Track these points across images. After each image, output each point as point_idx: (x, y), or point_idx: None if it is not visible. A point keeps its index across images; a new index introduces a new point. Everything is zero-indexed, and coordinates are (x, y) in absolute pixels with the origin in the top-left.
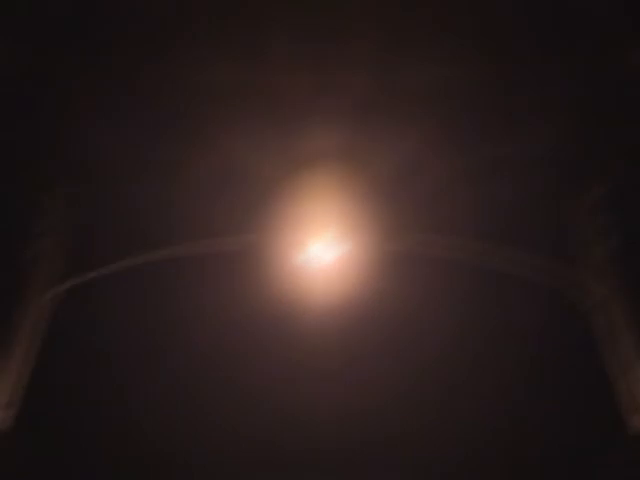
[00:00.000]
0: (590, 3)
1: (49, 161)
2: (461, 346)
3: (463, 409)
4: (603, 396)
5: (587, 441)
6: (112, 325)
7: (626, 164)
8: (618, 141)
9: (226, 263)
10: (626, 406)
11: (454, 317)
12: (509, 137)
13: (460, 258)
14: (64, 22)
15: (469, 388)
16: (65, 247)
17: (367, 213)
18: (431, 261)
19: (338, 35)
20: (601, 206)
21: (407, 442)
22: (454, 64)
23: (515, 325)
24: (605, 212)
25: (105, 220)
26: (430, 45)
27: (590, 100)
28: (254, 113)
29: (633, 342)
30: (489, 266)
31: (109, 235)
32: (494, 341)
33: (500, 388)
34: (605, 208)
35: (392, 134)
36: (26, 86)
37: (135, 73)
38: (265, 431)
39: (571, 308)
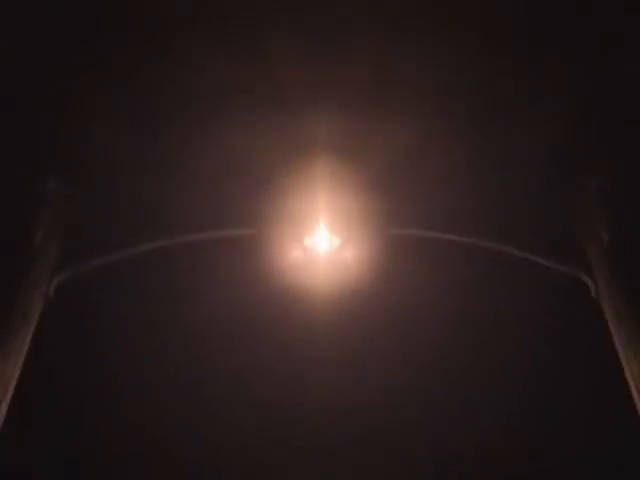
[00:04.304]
0: (590, 3)
1: (49, 161)
2: (460, 337)
3: (464, 404)
4: (609, 383)
5: (596, 430)
6: (109, 320)
7: (626, 164)
8: (618, 141)
9: (225, 255)
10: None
11: (454, 311)
12: (509, 136)
13: (461, 252)
14: (64, 22)
15: (471, 381)
16: (64, 246)
17: (367, 205)
18: (432, 254)
19: (338, 30)
20: (601, 205)
21: (410, 438)
22: (453, 64)
23: (516, 320)
24: (605, 211)
25: (104, 219)
26: (430, 43)
27: (590, 100)
28: (254, 112)
29: (632, 339)
30: (489, 262)
31: (109, 233)
32: (494, 335)
33: (502, 380)
34: (605, 207)
35: (392, 128)
36: (26, 86)
37: (135, 73)
38: (264, 424)
39: (570, 308)
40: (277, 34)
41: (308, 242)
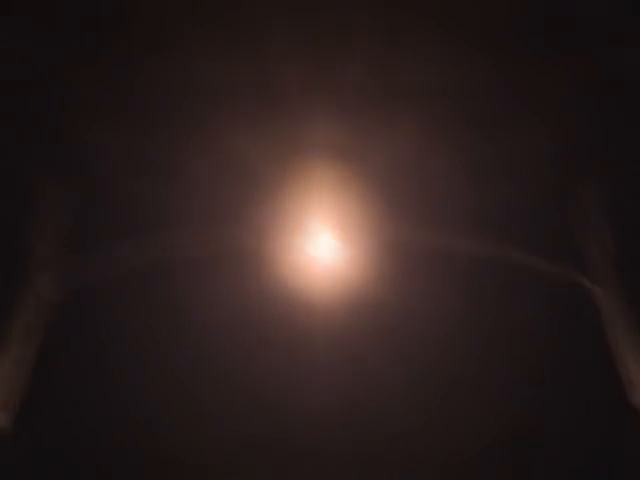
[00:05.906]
0: (590, 3)
1: (48, 160)
2: (461, 342)
3: (465, 406)
4: (604, 383)
5: (589, 425)
6: (111, 323)
7: (626, 164)
8: (618, 141)
9: (225, 260)
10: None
11: (453, 314)
12: (509, 137)
13: (460, 255)
14: (64, 22)
15: (470, 384)
16: (64, 246)
17: (366, 210)
18: (431, 257)
19: (337, 32)
20: (601, 205)
21: (409, 440)
22: (454, 63)
23: (515, 322)
24: (605, 211)
25: (104, 219)
26: (429, 44)
27: (590, 100)
28: (253, 111)
29: (631, 339)
30: (488, 264)
31: (108, 234)
32: (493, 337)
33: (501, 381)
34: (605, 207)
35: (391, 131)
36: (26, 86)
37: (134, 73)
38: (267, 428)
39: (570, 307)
40: (275, 32)
41: (308, 246)
